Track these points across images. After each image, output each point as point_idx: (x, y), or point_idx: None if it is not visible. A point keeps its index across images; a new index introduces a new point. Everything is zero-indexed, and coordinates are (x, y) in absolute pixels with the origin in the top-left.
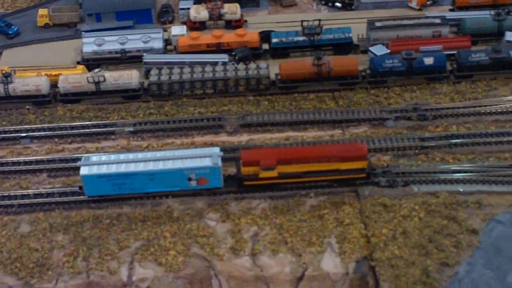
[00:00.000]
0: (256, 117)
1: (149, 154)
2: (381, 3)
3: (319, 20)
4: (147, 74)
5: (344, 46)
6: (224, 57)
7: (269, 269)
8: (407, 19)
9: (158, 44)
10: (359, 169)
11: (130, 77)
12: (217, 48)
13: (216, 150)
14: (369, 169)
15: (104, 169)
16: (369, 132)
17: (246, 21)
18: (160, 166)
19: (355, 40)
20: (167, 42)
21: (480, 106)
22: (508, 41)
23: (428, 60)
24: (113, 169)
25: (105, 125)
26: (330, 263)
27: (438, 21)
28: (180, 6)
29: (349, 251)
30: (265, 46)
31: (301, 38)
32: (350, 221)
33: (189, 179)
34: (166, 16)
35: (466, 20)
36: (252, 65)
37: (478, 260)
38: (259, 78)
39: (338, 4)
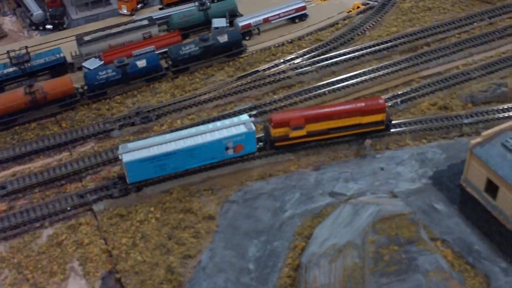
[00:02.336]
0: None
1: (183, 132)
2: (92, 16)
3: (26, 47)
4: None
5: (58, 68)
6: None
7: None
8: (116, 27)
9: None
10: (379, 122)
11: None
12: None
13: (246, 116)
14: (387, 121)
15: (146, 153)
16: (96, 147)
17: None
18: (200, 140)
19: (69, 59)
20: None
21: (199, 96)
22: (216, 28)
23: (141, 63)
24: (155, 151)
25: None
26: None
27: (146, 22)
28: None
29: (93, 270)
30: None
31: (11, 69)
32: (89, 240)
33: (227, 148)
34: None
35: (173, 16)
36: None
37: (219, 243)
38: None
39: (49, 26)
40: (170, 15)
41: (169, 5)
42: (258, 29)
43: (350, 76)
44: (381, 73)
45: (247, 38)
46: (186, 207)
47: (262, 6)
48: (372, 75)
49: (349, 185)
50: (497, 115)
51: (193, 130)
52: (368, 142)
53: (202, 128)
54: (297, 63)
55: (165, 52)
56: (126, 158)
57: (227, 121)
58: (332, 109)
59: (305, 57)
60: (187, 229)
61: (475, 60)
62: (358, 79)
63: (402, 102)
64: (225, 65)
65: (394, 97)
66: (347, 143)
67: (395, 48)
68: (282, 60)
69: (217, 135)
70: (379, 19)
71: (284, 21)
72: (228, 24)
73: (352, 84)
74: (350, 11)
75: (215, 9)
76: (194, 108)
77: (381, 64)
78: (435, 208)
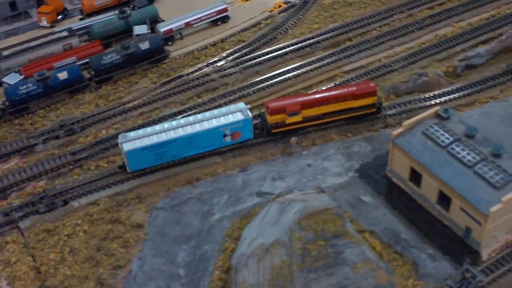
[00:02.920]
0: None
1: (182, 121)
2: (12, 30)
3: None
4: None
5: None
6: None
7: None
8: (35, 40)
9: None
10: (370, 105)
11: None
12: None
13: (242, 104)
14: (378, 104)
15: (146, 141)
16: (21, 163)
17: None
18: (198, 128)
19: None
20: None
21: (124, 104)
22: (137, 35)
23: (62, 75)
24: (155, 139)
25: None
26: None
27: (65, 33)
28: None
29: None
30: None
31: None
32: (17, 258)
33: (224, 136)
34: None
35: (93, 25)
36: None
37: (148, 251)
38: None
39: None
40: (90, 25)
41: (89, 15)
42: (181, 33)
43: (274, 75)
44: (304, 70)
45: (169, 43)
46: (114, 217)
47: (184, 10)
48: (295, 73)
49: (277, 184)
50: (419, 105)
51: (191, 118)
52: (294, 139)
53: (200, 116)
54: (220, 65)
55: (87, 62)
56: (126, 147)
57: (223, 109)
58: (326, 94)
59: (228, 58)
60: (115, 240)
61: (396, 52)
62: (282, 77)
63: None
64: (148, 72)
65: None
66: (273, 142)
67: (317, 44)
68: (205, 64)
69: (214, 123)
70: (301, 16)
71: (206, 24)
72: (149, 31)
73: (276, 83)
74: (272, 10)
75: (136, 16)
76: (119, 117)
77: (304, 61)
78: (362, 200)
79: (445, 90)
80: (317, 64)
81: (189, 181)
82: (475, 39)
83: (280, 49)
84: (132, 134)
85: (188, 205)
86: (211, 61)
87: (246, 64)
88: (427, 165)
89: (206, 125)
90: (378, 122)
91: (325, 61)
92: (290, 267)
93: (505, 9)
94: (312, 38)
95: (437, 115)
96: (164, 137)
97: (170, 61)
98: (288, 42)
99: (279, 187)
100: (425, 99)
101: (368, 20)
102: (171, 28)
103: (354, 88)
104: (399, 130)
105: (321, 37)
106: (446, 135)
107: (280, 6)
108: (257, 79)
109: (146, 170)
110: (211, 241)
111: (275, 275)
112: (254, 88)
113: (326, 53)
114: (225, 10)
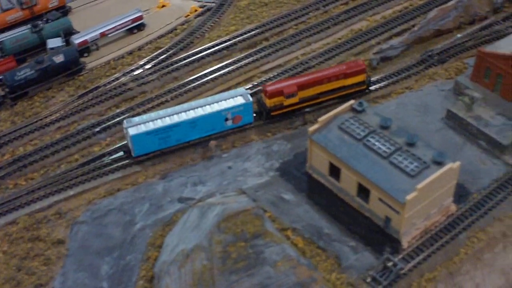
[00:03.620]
0: None
1: (185, 105)
2: None
3: None
4: None
5: None
6: None
7: None
8: None
9: None
10: (361, 82)
11: None
12: None
13: (242, 89)
14: (368, 81)
15: (151, 126)
16: None
17: None
18: (201, 112)
19: None
20: None
21: (41, 120)
22: (51, 48)
23: None
24: (159, 123)
25: None
26: None
27: None
28: None
29: None
30: None
31: None
32: None
33: (226, 120)
34: None
35: (5, 41)
36: None
37: (70, 267)
38: None
39: None
40: (2, 41)
41: (1, 31)
42: (96, 44)
43: (192, 79)
44: (222, 72)
45: (85, 55)
46: (34, 235)
47: (99, 20)
48: (213, 76)
49: (198, 189)
50: (337, 99)
51: (193, 103)
52: (213, 143)
53: (201, 101)
54: (138, 73)
55: (1, 79)
56: (132, 131)
57: (225, 94)
58: (320, 74)
59: (145, 66)
60: (36, 258)
61: (313, 49)
62: (200, 81)
63: None
64: (65, 85)
65: None
66: (192, 147)
67: (235, 46)
68: (122, 73)
69: (216, 107)
70: (217, 19)
71: (122, 33)
72: (64, 43)
73: (195, 87)
74: (188, 15)
75: (49, 29)
76: (36, 133)
77: (222, 64)
78: (284, 198)
79: None
80: (235, 66)
81: (110, 192)
82: (389, 31)
83: (197, 53)
84: (137, 119)
85: (109, 217)
86: (128, 70)
87: (164, 70)
88: (344, 159)
89: (208, 109)
90: (297, 120)
91: (243, 62)
92: (211, 271)
93: (417, 1)
94: (229, 40)
95: (352, 109)
96: (168, 121)
97: (87, 72)
98: (205, 46)
99: (200, 191)
100: None
101: (284, 19)
102: (85, 40)
103: (344, 67)
104: (315, 126)
105: (238, 38)
106: (362, 128)
107: (196, 10)
108: (175, 85)
109: (148, 155)
110: (134, 251)
111: (197, 280)
112: (172, 94)
113: (243, 54)
114: (141, 18)
